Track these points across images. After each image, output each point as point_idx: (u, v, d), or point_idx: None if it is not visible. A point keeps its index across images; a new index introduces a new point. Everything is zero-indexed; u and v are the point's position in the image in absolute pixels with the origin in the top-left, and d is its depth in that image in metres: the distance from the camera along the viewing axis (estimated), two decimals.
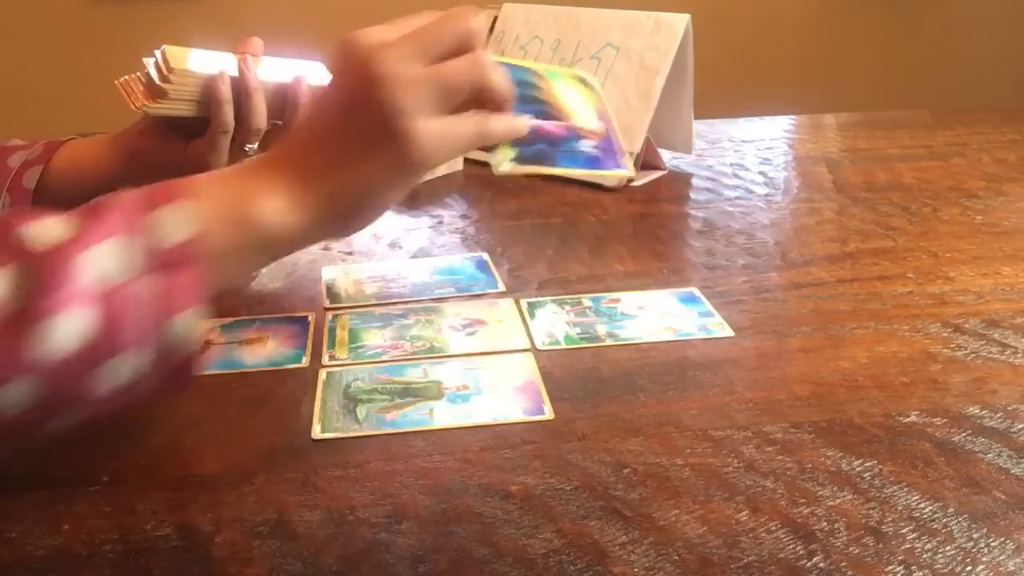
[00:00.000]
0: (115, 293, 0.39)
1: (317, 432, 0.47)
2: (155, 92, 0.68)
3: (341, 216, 0.48)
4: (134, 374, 0.40)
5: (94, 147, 0.75)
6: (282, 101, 0.74)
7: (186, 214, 0.41)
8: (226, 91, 0.70)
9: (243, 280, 0.45)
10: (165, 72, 0.68)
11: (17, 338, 0.37)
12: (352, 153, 0.46)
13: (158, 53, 0.70)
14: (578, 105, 0.63)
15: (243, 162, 0.50)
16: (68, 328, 0.37)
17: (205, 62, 0.71)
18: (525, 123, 0.51)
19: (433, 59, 0.46)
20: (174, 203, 0.42)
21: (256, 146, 0.76)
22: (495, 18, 1.02)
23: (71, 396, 0.39)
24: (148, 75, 0.69)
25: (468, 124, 0.48)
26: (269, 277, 0.68)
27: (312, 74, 0.76)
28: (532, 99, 0.56)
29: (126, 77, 0.71)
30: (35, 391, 0.37)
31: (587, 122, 0.63)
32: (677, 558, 0.38)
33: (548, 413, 0.49)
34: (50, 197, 0.72)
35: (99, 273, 0.38)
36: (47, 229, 0.40)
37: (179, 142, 0.73)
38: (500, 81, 0.48)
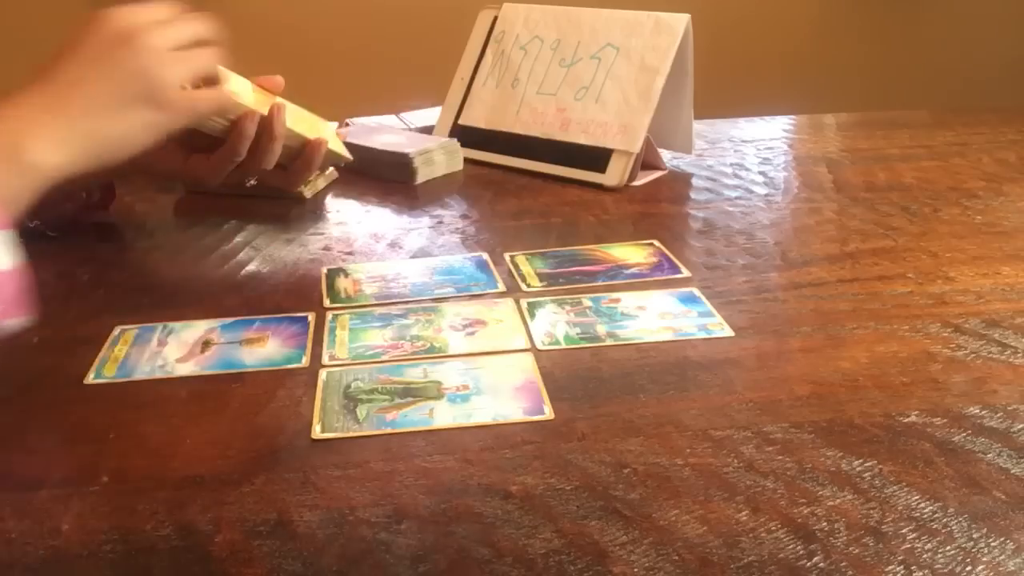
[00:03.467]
0: None
1: (317, 432, 0.47)
2: None
3: (97, 154, 0.56)
4: None
5: None
6: (294, 151, 0.75)
7: None
8: (252, 129, 0.71)
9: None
10: (202, 85, 0.68)
11: None
12: (114, 105, 0.57)
13: None
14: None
15: (8, 99, 0.56)
16: None
17: (242, 90, 0.71)
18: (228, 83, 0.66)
19: (179, 45, 0.60)
20: None
21: (254, 180, 0.77)
22: (495, 18, 1.02)
23: None
24: None
25: (207, 94, 0.64)
26: (269, 277, 0.69)
27: (327, 132, 0.78)
28: None
29: None
30: None
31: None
32: (677, 558, 0.38)
33: (548, 413, 0.49)
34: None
35: None
36: None
37: (178, 153, 0.74)
38: (219, 67, 0.66)
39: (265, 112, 0.72)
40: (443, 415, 0.49)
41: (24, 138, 0.53)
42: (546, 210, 0.83)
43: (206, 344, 0.57)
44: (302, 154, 0.76)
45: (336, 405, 0.50)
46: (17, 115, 0.54)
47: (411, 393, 0.51)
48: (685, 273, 0.67)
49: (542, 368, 0.53)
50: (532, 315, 0.60)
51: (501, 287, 0.65)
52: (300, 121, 0.76)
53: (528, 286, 0.65)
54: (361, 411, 0.49)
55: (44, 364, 0.56)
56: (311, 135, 0.76)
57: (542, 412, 0.49)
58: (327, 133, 0.80)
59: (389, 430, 0.47)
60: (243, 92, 0.72)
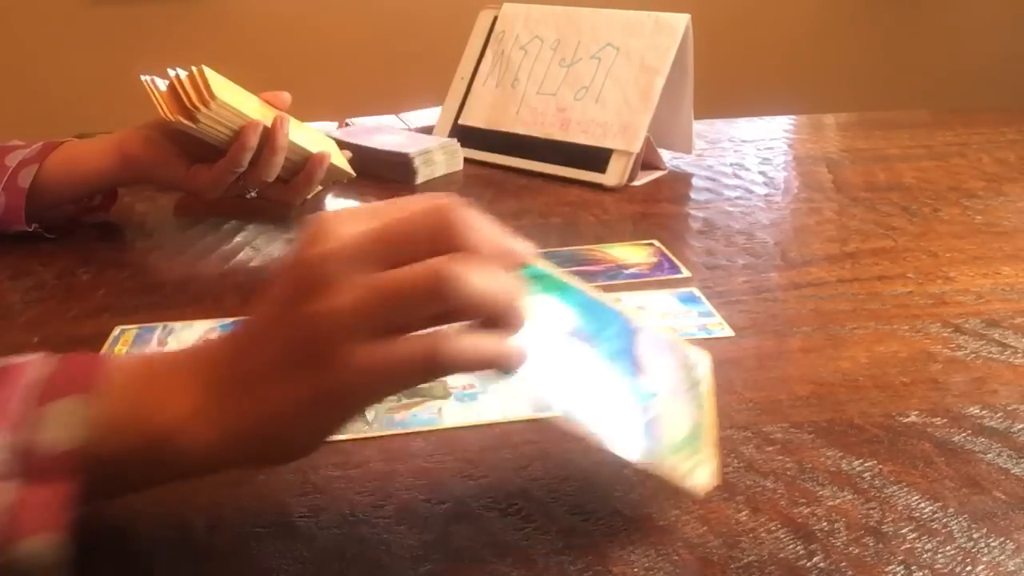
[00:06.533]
0: None
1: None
2: (187, 111, 0.69)
3: (255, 439, 0.35)
4: None
5: (92, 148, 0.75)
6: (297, 165, 0.76)
7: (77, 416, 0.34)
8: (254, 140, 0.72)
9: (145, 488, 0.38)
10: (206, 95, 0.69)
11: None
12: (274, 367, 0.35)
13: (193, 69, 0.71)
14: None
15: (167, 353, 0.44)
16: None
17: (245, 101, 0.72)
18: (508, 351, 0.36)
19: (393, 263, 0.34)
20: (70, 397, 0.34)
21: (255, 193, 0.78)
22: (495, 18, 1.02)
23: None
24: (175, 88, 0.70)
25: (416, 349, 0.34)
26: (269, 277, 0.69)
27: (330, 148, 0.79)
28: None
29: (151, 77, 0.72)
30: None
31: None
32: (677, 558, 0.38)
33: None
34: (45, 196, 0.73)
35: None
36: None
37: (182, 162, 0.74)
38: (477, 293, 0.34)
39: (268, 124, 0.72)
40: (452, 414, 0.49)
41: (161, 401, 0.36)
42: (546, 210, 0.83)
43: None
44: (304, 168, 0.77)
45: None
46: (167, 374, 0.37)
47: (418, 393, 0.51)
48: (685, 273, 0.67)
49: None
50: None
51: None
52: (303, 135, 0.77)
53: None
54: (370, 412, 0.49)
55: None
56: (314, 149, 0.77)
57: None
58: (330, 149, 0.80)
59: (400, 430, 0.47)
60: (247, 104, 0.73)
